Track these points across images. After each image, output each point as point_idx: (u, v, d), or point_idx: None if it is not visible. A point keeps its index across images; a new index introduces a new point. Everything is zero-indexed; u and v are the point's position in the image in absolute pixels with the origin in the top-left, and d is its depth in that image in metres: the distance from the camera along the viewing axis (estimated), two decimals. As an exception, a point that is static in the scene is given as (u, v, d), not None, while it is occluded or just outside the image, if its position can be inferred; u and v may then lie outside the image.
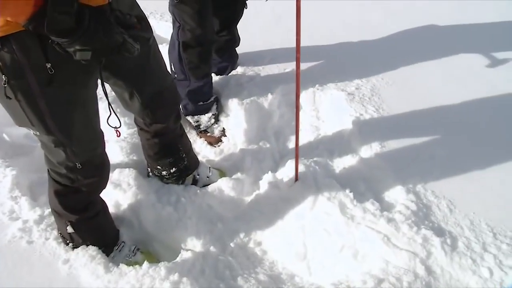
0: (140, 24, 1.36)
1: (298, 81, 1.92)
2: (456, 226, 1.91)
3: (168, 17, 3.13)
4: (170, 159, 2.19)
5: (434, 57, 3.05)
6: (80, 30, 1.19)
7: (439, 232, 1.86)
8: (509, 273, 1.68)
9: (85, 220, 1.86)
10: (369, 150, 2.34)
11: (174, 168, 2.23)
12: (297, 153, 2.09)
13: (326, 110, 2.70)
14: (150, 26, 1.73)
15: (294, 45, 3.37)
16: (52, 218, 1.98)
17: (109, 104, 1.61)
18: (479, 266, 1.73)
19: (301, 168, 2.19)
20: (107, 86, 1.63)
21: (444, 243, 1.80)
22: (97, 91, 1.61)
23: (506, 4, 3.70)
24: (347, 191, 2.04)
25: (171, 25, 2.61)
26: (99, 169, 1.77)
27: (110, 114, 1.64)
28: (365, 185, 2.18)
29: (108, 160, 1.85)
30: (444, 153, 2.27)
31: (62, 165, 1.65)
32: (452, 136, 2.40)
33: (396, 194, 2.07)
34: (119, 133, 1.70)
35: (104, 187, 1.88)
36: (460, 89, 2.74)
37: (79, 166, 1.65)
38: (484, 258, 1.75)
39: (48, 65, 1.31)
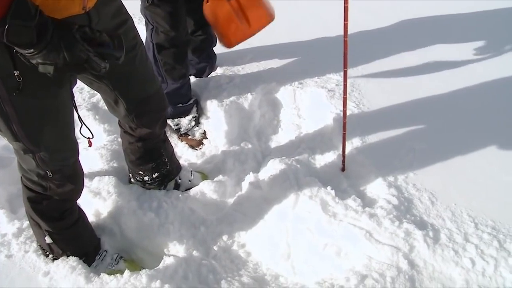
0: (113, 42, 1.32)
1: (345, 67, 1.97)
2: (438, 218, 1.91)
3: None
4: (152, 164, 2.17)
5: (412, 52, 3.06)
6: (41, 44, 1.17)
7: (421, 225, 1.87)
8: (490, 262, 1.69)
9: (63, 230, 1.83)
10: (350, 147, 2.34)
11: (156, 173, 2.21)
12: (344, 143, 2.13)
13: (307, 108, 2.70)
14: (138, 37, 1.71)
15: (273, 43, 3.37)
16: (31, 231, 1.95)
17: (79, 116, 1.61)
18: (462, 257, 1.73)
19: (282, 167, 2.18)
20: (88, 90, 1.62)
21: (427, 236, 1.80)
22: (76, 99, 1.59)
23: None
24: (329, 188, 2.03)
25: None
26: (72, 179, 1.74)
27: (82, 125, 1.66)
28: (347, 182, 2.18)
29: (82, 169, 1.82)
30: (424, 146, 2.27)
31: (33, 172, 1.64)
32: (432, 129, 2.40)
33: (378, 189, 2.07)
34: (91, 143, 1.69)
35: (78, 195, 1.85)
36: (439, 83, 2.74)
37: (50, 175, 1.63)
38: (466, 249, 1.76)
39: (16, 73, 1.30)
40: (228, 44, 2.17)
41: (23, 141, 1.49)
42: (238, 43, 2.25)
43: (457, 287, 1.66)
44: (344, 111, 2.09)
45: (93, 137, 1.70)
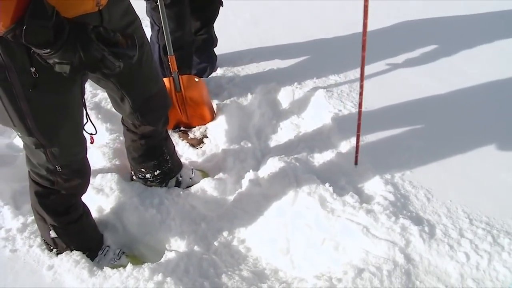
0: (126, 42, 1.35)
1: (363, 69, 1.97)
2: (434, 214, 1.95)
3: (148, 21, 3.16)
4: (154, 162, 2.21)
5: (409, 52, 3.12)
6: (57, 44, 1.21)
7: (417, 220, 1.90)
8: (484, 256, 1.73)
9: (67, 225, 1.87)
10: (348, 145, 2.38)
11: (158, 171, 2.25)
12: (358, 138, 2.14)
13: (306, 107, 2.74)
14: (145, 37, 1.75)
15: (272, 44, 3.42)
16: (35, 226, 1.99)
17: (86, 113, 1.65)
18: (456, 252, 1.77)
19: (281, 165, 2.22)
20: (90, 89, 1.64)
21: (422, 231, 1.84)
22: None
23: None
24: (327, 185, 2.07)
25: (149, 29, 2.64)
26: (79, 173, 1.79)
27: (87, 121, 1.69)
28: (345, 179, 2.22)
29: (89, 165, 1.86)
30: (421, 145, 2.32)
31: (43, 167, 1.68)
32: (429, 128, 2.45)
33: (375, 186, 2.11)
34: (93, 140, 1.73)
35: (84, 190, 1.89)
36: (435, 82, 2.80)
37: (59, 169, 1.67)
38: (461, 244, 1.79)
39: (33, 69, 1.34)
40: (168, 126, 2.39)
41: (36, 136, 1.52)
42: (172, 127, 2.68)
43: (452, 281, 1.70)
44: (360, 111, 2.09)
45: (96, 133, 1.74)
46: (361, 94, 2.03)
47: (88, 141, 1.78)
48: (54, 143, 1.58)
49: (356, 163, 2.24)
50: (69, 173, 1.72)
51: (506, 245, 1.77)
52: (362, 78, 1.99)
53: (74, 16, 1.33)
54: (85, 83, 1.65)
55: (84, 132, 1.71)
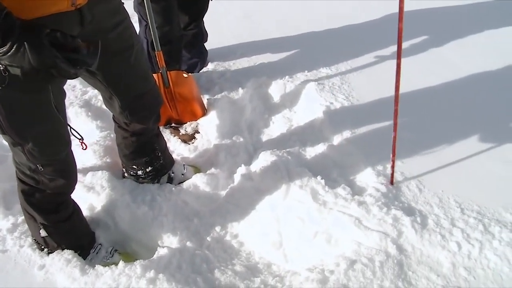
0: (88, 48, 1.31)
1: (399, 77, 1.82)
2: (426, 204, 1.95)
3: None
4: (146, 158, 2.20)
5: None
6: (5, 46, 1.18)
7: (409, 211, 1.90)
8: (475, 245, 1.73)
9: (57, 223, 1.86)
10: (340, 138, 2.38)
11: (150, 167, 2.24)
12: (394, 156, 2.00)
13: (297, 101, 2.73)
14: (135, 36, 1.72)
15: (264, 38, 3.41)
16: (26, 226, 1.98)
17: (69, 126, 1.66)
18: (448, 241, 1.77)
19: (273, 158, 2.22)
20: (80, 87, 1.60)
21: (414, 222, 1.84)
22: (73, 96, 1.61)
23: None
24: (319, 178, 2.07)
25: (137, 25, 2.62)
26: (63, 173, 1.75)
27: (70, 129, 1.68)
28: (337, 171, 2.21)
29: (74, 163, 1.83)
30: (412, 136, 2.31)
31: (25, 165, 1.66)
32: (420, 119, 2.45)
33: (367, 178, 2.11)
34: (83, 145, 1.73)
35: (71, 189, 1.88)
36: (426, 74, 2.79)
37: (40, 168, 1.65)
38: (452, 233, 1.80)
39: (1, 67, 1.30)
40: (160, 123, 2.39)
41: (9, 134, 1.51)
42: (163, 124, 2.66)
43: (444, 270, 1.70)
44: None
45: (82, 138, 1.73)
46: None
47: (79, 146, 1.77)
48: (30, 142, 1.55)
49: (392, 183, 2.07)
50: (52, 172, 1.70)
51: (497, 233, 1.77)
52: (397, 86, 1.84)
53: (44, 15, 1.30)
54: (63, 83, 1.62)
55: (81, 129, 1.69)
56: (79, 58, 1.30)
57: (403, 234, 1.81)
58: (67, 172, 1.79)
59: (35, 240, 1.95)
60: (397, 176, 2.09)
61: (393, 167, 2.02)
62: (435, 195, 1.99)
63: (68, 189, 1.86)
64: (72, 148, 1.78)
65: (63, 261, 1.85)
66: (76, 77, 1.36)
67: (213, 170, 2.38)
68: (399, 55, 1.74)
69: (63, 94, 1.61)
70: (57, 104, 1.56)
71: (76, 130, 1.72)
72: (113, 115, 2.09)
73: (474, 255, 1.71)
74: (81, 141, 1.72)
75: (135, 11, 2.54)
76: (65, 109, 1.65)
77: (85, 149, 1.75)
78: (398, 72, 1.79)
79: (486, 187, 2.00)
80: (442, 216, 1.88)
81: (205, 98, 2.73)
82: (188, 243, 1.99)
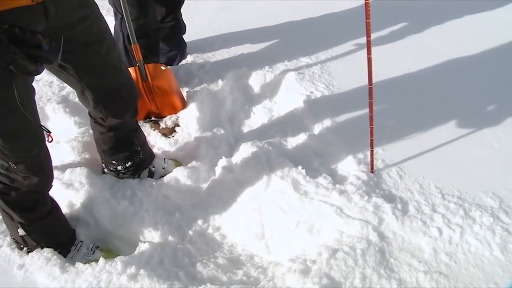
0: (50, 44, 1.28)
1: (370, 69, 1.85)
2: (407, 191, 1.96)
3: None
4: (125, 153, 2.17)
5: (381, 31, 3.10)
6: None
7: (390, 198, 1.91)
8: (456, 230, 1.74)
9: (35, 221, 1.82)
10: (321, 127, 2.37)
11: (129, 162, 2.21)
12: (372, 144, 2.02)
13: (278, 91, 2.71)
14: (106, 30, 1.68)
15: (243, 29, 3.37)
16: (4, 225, 1.94)
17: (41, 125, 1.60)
18: (429, 227, 1.78)
19: (254, 149, 2.20)
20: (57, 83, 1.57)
21: (395, 209, 1.85)
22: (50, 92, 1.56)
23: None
24: (300, 168, 2.06)
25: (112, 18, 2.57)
26: (36, 171, 1.71)
27: (41, 127, 1.62)
28: (318, 161, 2.21)
29: (48, 161, 1.79)
30: (393, 123, 2.31)
31: None
32: (401, 106, 2.45)
33: (348, 166, 2.11)
34: (51, 138, 1.66)
35: (47, 187, 1.84)
36: (407, 60, 2.79)
37: (13, 166, 1.62)
38: (433, 219, 1.81)
39: None
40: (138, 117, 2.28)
41: None
42: (142, 118, 2.61)
43: (426, 256, 1.71)
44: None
45: (49, 132, 1.67)
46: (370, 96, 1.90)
47: (65, 135, 1.71)
48: None
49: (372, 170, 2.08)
50: (24, 170, 1.66)
51: (478, 218, 1.79)
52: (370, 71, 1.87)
53: (5, 9, 1.26)
54: (31, 80, 1.57)
55: (58, 127, 1.65)
56: (40, 54, 1.27)
57: (384, 221, 1.82)
58: (41, 170, 1.74)
59: (13, 239, 1.92)
60: (378, 164, 2.09)
61: (372, 156, 2.02)
62: (415, 181, 2.00)
63: (44, 187, 1.82)
64: (49, 146, 1.74)
65: (42, 260, 1.83)
66: (38, 74, 1.32)
67: (194, 163, 2.36)
68: (369, 50, 1.76)
69: (31, 90, 1.56)
70: (22, 101, 1.48)
71: (45, 126, 1.66)
72: (88, 110, 2.05)
73: (455, 240, 1.72)
74: (48, 134, 1.67)
75: (110, 4, 2.48)
76: (35, 106, 1.60)
77: (50, 141, 1.69)
78: (370, 66, 1.81)
79: (467, 172, 2.02)
80: (423, 202, 1.89)
81: (184, 91, 2.70)
82: (170, 238, 1.98)
